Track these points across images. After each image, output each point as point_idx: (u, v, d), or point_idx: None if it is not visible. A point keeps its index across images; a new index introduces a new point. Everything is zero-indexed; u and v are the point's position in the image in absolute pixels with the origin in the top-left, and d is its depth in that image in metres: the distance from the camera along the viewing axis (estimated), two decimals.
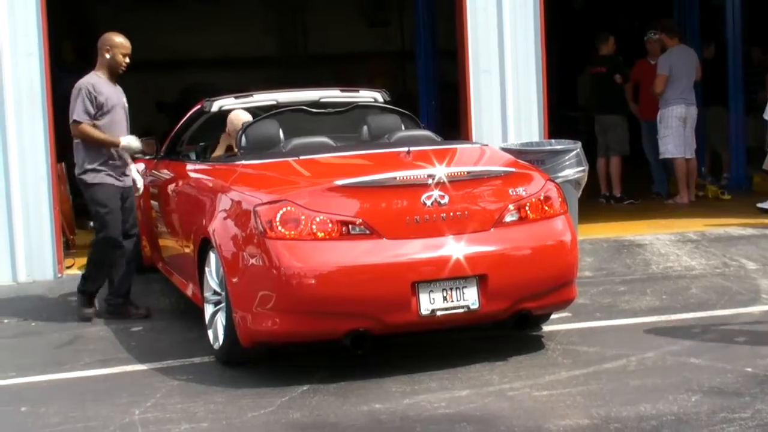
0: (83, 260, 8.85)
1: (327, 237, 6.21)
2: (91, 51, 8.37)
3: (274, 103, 8.53)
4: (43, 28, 9.77)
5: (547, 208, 6.67)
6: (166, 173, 8.67)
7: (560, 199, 6.78)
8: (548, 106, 10.88)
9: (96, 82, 8.04)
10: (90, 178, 8.01)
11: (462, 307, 6.31)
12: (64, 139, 8.84)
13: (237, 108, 8.47)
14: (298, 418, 5.71)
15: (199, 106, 8.72)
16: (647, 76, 13.47)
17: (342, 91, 8.86)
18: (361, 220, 6.26)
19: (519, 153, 8.28)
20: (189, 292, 7.73)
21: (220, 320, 6.71)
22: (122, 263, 8.17)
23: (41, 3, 9.73)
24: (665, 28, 13.49)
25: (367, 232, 6.25)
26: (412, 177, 6.38)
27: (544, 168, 8.16)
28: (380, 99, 8.78)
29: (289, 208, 6.24)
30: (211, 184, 7.38)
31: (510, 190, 6.59)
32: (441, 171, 6.40)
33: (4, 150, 9.68)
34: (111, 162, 8.04)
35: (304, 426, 5.60)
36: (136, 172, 8.17)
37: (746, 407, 5.51)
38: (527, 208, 6.59)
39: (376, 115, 8.06)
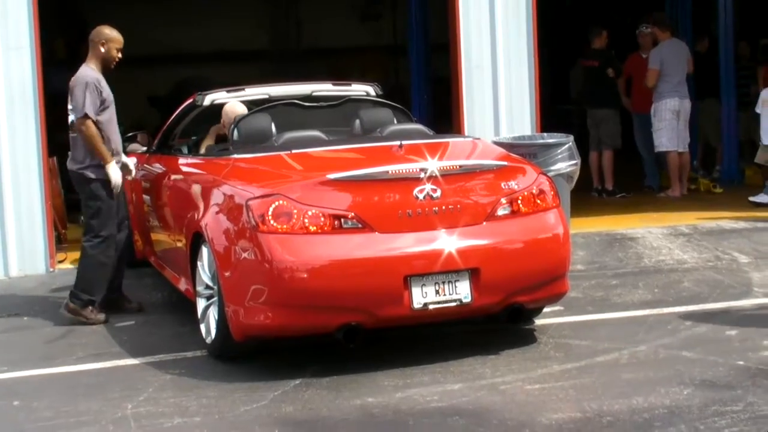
0: (76, 254, 8.83)
1: (319, 231, 6.21)
2: (82, 46, 8.31)
3: (267, 96, 8.51)
4: (35, 23, 9.75)
5: (539, 201, 6.68)
6: (158, 167, 8.65)
7: (552, 193, 6.78)
8: (540, 100, 10.89)
9: (98, 76, 7.94)
10: (92, 173, 7.90)
11: (454, 300, 6.31)
12: (56, 133, 8.82)
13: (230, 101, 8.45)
14: (291, 412, 5.71)
15: (191, 100, 8.70)
16: (639, 70, 13.48)
17: (334, 84, 8.85)
18: (353, 214, 6.25)
19: (511, 147, 8.28)
20: (181, 286, 7.72)
21: (213, 314, 6.71)
22: (115, 257, 8.13)
23: None
24: (657, 22, 13.50)
25: (360, 225, 6.25)
26: (404, 171, 6.38)
27: (536, 161, 8.16)
28: (372, 93, 8.77)
29: (281, 202, 6.24)
30: (203, 179, 7.37)
31: (502, 184, 6.59)
32: (433, 165, 6.40)
33: None
34: (114, 157, 7.94)
35: (297, 420, 5.60)
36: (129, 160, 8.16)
37: (738, 400, 5.52)
38: (519, 201, 6.59)
39: (368, 108, 8.04)
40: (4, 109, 9.69)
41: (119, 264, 8.18)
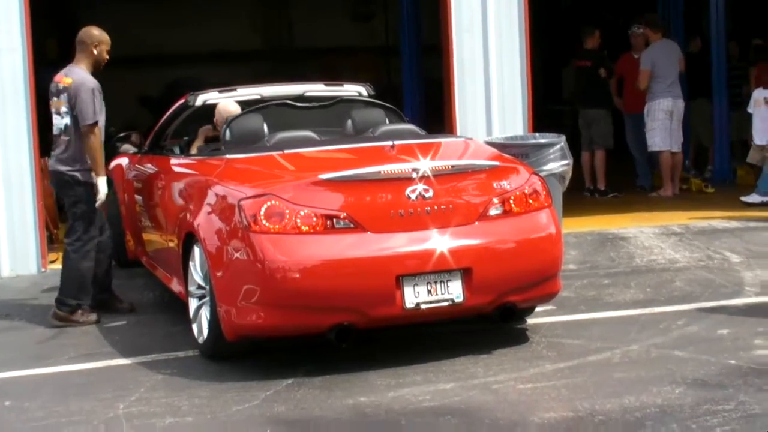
0: None
1: (311, 231, 6.21)
2: (72, 46, 8.28)
3: (259, 97, 8.51)
4: (27, 23, 9.74)
5: (531, 201, 6.68)
6: (150, 167, 8.64)
7: (545, 193, 6.79)
8: (533, 100, 10.90)
9: (96, 81, 7.92)
10: (85, 176, 7.87)
11: (446, 300, 6.31)
12: (48, 133, 8.77)
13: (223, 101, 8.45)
14: (283, 411, 5.71)
15: (183, 101, 8.70)
16: (631, 71, 13.50)
17: (326, 85, 8.85)
18: (345, 214, 6.25)
19: (503, 147, 8.29)
20: (173, 286, 7.71)
21: (205, 314, 6.71)
22: (103, 258, 8.11)
23: None
24: (649, 23, 13.54)
25: (352, 225, 6.25)
26: (396, 171, 6.38)
27: (529, 161, 8.18)
28: (364, 93, 8.77)
29: (273, 202, 6.24)
30: (195, 179, 7.36)
31: (494, 184, 6.59)
32: (425, 165, 6.40)
33: None
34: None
35: (289, 419, 5.60)
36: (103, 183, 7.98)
37: (730, 399, 5.53)
38: (512, 201, 6.59)
39: (360, 109, 8.05)
40: None
41: (108, 264, 8.17)
